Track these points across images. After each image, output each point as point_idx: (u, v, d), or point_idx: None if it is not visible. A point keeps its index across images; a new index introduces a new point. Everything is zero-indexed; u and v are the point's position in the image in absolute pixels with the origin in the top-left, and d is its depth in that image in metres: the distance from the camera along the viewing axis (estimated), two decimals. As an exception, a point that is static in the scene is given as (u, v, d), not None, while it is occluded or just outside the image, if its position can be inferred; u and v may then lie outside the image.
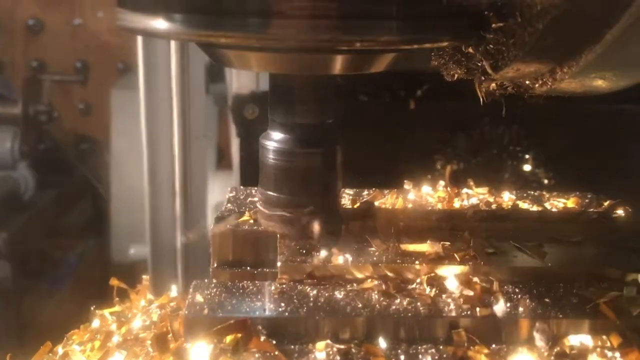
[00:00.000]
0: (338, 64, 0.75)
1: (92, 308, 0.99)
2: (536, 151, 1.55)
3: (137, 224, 2.85)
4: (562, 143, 1.56)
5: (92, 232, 3.40)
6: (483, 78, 0.70)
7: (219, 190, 2.31)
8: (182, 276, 1.81)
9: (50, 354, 0.92)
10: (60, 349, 0.90)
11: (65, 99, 3.70)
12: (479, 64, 0.68)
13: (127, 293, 1.04)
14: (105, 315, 0.94)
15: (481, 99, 0.75)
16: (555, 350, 0.71)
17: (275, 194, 0.86)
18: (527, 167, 1.57)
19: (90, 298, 1.10)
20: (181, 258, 1.85)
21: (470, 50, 0.68)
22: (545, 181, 1.37)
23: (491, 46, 0.64)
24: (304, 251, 0.82)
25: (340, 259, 0.79)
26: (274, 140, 0.86)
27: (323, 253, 0.81)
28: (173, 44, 1.80)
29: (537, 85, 0.69)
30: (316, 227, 0.84)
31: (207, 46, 0.80)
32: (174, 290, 1.01)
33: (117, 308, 0.99)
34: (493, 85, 0.71)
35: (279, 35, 0.66)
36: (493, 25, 0.65)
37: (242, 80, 1.70)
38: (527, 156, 1.57)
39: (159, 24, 0.69)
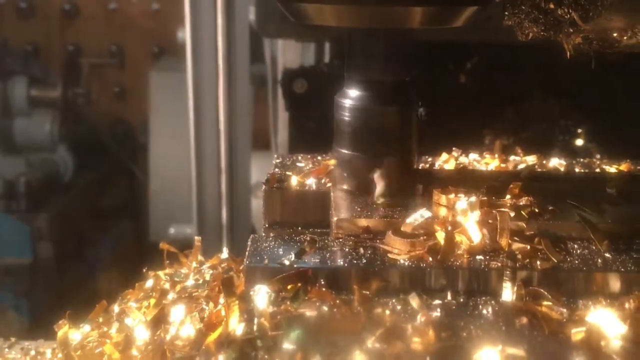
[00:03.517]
0: (416, 17, 0.74)
1: (144, 270, 1.00)
2: (588, 125, 1.51)
3: (176, 204, 2.89)
4: (614, 117, 1.52)
5: (129, 212, 3.45)
6: (571, 30, 0.68)
7: (256, 170, 2.32)
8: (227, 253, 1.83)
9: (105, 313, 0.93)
10: (116, 307, 0.92)
11: (100, 82, 3.74)
12: (566, 17, 0.66)
13: (176, 257, 1.04)
14: (159, 275, 0.95)
15: (568, 53, 0.74)
16: (617, 304, 0.70)
17: (349, 152, 0.86)
18: (578, 142, 1.54)
19: (129, 276, 1.11)
20: (226, 234, 1.87)
21: (552, 5, 0.67)
22: (598, 155, 1.34)
23: (583, -5, 0.63)
24: (359, 208, 0.82)
25: (397, 214, 0.79)
26: (350, 97, 0.85)
27: (379, 209, 0.80)
28: (219, 22, 1.81)
29: (625, 38, 0.67)
30: (388, 185, 0.83)
31: (286, 2, 0.80)
32: (224, 253, 1.01)
33: (168, 270, 1.00)
34: (579, 39, 0.70)
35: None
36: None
37: (288, 55, 1.70)
38: (578, 130, 1.54)
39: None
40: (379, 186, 0.82)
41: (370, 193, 0.84)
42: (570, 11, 0.65)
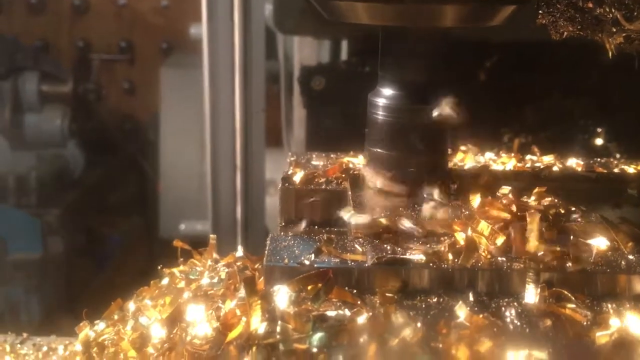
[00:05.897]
0: (452, 16, 0.73)
1: (159, 267, 1.00)
2: (608, 125, 1.50)
3: (187, 201, 2.89)
4: (635, 116, 1.50)
5: (139, 208, 3.45)
6: (613, 30, 0.67)
7: (267, 167, 2.32)
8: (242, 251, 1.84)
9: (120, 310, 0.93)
10: (131, 305, 0.91)
11: (110, 78, 3.74)
12: (608, 16, 0.65)
13: (190, 254, 1.04)
14: (174, 273, 0.95)
15: (610, 53, 0.72)
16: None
17: (383, 152, 0.86)
18: (598, 141, 1.53)
19: (139, 271, 1.11)
20: (241, 232, 1.87)
21: (590, 4, 0.66)
22: (618, 155, 1.33)
23: (627, -5, 0.62)
24: (379, 207, 0.81)
25: (416, 215, 0.78)
26: (383, 96, 0.85)
27: (400, 208, 0.80)
28: (236, 19, 1.81)
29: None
30: (423, 185, 0.83)
31: (319, -1, 0.80)
32: (239, 251, 1.01)
33: (182, 267, 1.00)
34: (620, 39, 0.69)
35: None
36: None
37: (305, 51, 1.69)
38: (598, 130, 1.53)
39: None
40: None
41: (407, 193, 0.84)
42: (613, 10, 0.64)
